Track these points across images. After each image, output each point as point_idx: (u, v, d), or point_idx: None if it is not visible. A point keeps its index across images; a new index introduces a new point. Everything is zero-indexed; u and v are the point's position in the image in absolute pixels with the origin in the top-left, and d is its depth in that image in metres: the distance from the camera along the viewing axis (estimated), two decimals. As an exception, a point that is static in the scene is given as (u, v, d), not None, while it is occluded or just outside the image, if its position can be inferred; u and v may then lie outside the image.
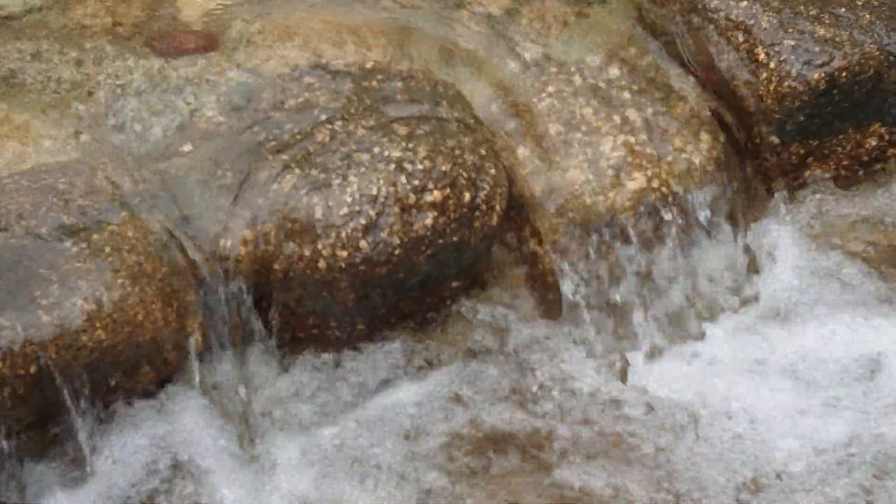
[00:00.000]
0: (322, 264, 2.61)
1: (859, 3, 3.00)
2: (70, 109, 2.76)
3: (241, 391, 2.64)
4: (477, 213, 2.69)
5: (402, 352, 2.75)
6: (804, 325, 2.82)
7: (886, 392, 2.69)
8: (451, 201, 2.66)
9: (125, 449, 2.58)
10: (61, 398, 2.47)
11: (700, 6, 2.97)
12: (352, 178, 2.63)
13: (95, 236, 2.54)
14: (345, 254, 2.60)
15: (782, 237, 2.97)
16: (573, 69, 2.92)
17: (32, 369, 2.43)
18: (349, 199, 2.61)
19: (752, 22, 2.94)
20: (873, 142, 3.04)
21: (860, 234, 2.98)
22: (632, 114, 2.85)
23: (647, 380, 2.75)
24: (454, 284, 2.78)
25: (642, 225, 2.79)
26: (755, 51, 2.92)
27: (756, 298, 2.87)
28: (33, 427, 2.51)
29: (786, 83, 2.89)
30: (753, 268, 2.92)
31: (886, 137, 3.03)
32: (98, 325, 2.47)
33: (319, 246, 2.60)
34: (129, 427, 2.60)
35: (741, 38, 2.94)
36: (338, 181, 2.63)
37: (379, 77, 2.81)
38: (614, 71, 2.91)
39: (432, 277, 2.72)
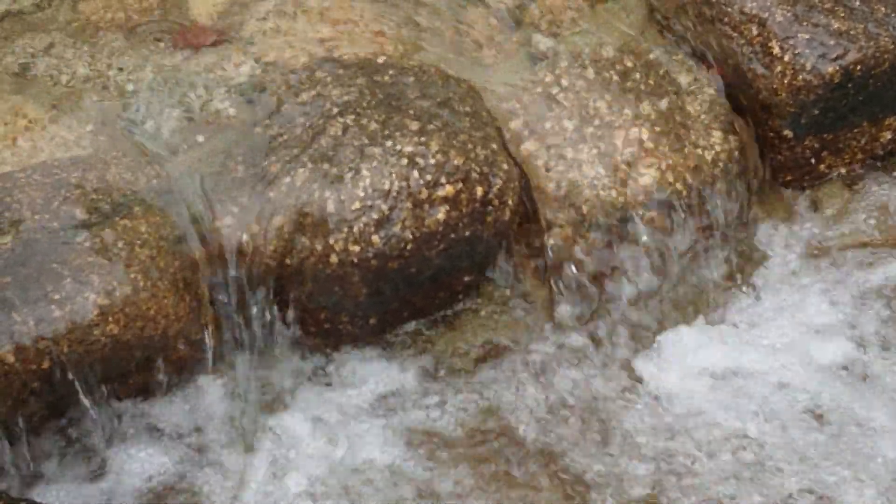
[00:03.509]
0: (334, 259, 2.60)
1: (874, -4, 2.99)
2: (82, 104, 2.76)
3: (252, 384, 2.65)
4: (489, 207, 2.68)
5: (414, 346, 2.75)
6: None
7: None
8: (463, 196, 2.65)
9: (138, 442, 2.58)
10: (74, 392, 2.48)
11: (713, -1, 2.97)
12: (364, 173, 2.62)
13: (108, 231, 2.54)
14: (357, 248, 2.60)
15: (794, 229, 2.97)
16: (586, 62, 2.91)
17: (45, 364, 2.43)
18: (361, 194, 2.61)
19: (766, 15, 2.93)
20: (888, 135, 3.03)
21: (871, 226, 2.98)
22: (644, 107, 2.84)
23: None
24: (466, 279, 2.77)
25: (655, 218, 2.78)
26: (769, 44, 2.91)
27: (758, 294, 2.87)
28: (47, 421, 2.52)
29: (800, 76, 2.88)
30: (763, 260, 2.92)
31: (901, 131, 3.03)
32: (110, 319, 2.47)
33: (331, 240, 2.60)
34: (143, 420, 2.60)
35: (755, 32, 2.92)
36: (350, 175, 2.62)
37: (391, 71, 2.80)
38: (627, 64, 2.90)
39: (444, 272, 2.71)
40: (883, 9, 2.97)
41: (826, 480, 2.56)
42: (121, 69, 2.82)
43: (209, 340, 2.60)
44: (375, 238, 2.61)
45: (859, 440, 2.62)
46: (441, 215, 2.64)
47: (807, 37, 2.90)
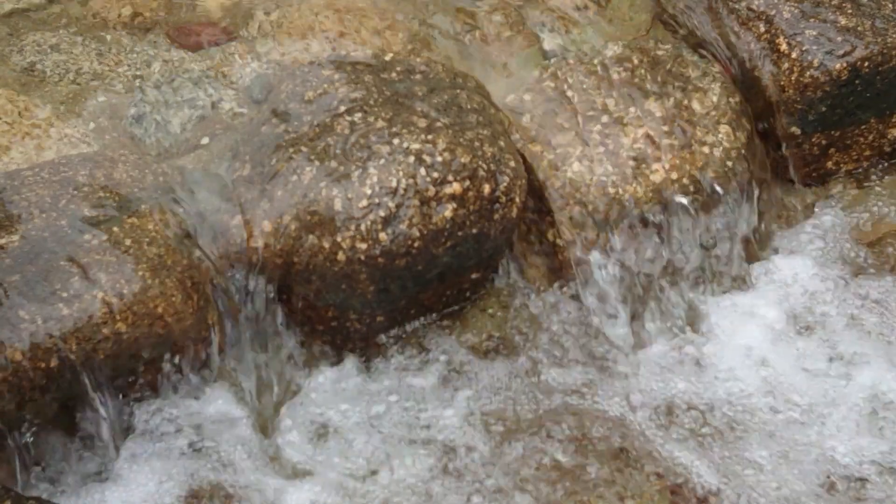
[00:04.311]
0: (341, 257, 2.60)
1: (881, -8, 2.99)
2: (90, 101, 2.76)
3: (259, 382, 2.65)
4: (496, 205, 2.68)
5: (421, 344, 2.76)
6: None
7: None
8: (470, 193, 2.65)
9: (146, 440, 2.59)
10: (83, 390, 2.48)
11: (721, -4, 2.97)
12: (371, 171, 2.62)
13: (115, 229, 2.54)
14: (364, 246, 2.60)
15: (800, 227, 2.97)
16: (594, 60, 2.91)
17: (53, 362, 2.43)
18: (369, 192, 2.61)
19: (773, 12, 2.92)
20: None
21: (878, 225, 2.98)
22: (652, 105, 2.84)
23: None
24: (474, 276, 2.77)
25: (663, 216, 2.78)
26: (777, 41, 2.90)
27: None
28: (55, 419, 2.52)
29: (808, 73, 2.88)
30: (769, 256, 2.92)
31: (909, 128, 3.02)
32: (118, 317, 2.47)
33: (339, 238, 2.60)
34: (151, 418, 2.61)
35: (763, 28, 2.92)
36: (357, 173, 2.62)
37: (398, 68, 2.80)
38: (634, 61, 2.90)
39: (452, 269, 2.71)
40: (890, 5, 2.97)
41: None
42: (128, 66, 2.82)
43: (216, 339, 2.60)
44: (383, 235, 2.61)
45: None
46: (448, 213, 2.64)
47: (814, 33, 2.90)
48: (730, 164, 2.82)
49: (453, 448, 2.60)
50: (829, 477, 2.57)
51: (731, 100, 2.88)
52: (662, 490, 2.54)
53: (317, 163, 2.64)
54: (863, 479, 2.57)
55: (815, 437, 2.64)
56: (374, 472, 2.58)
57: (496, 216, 2.69)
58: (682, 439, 2.63)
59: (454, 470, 2.57)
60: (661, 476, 2.56)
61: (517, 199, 2.71)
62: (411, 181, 2.62)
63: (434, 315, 2.78)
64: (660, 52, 2.93)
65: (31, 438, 2.47)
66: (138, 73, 2.81)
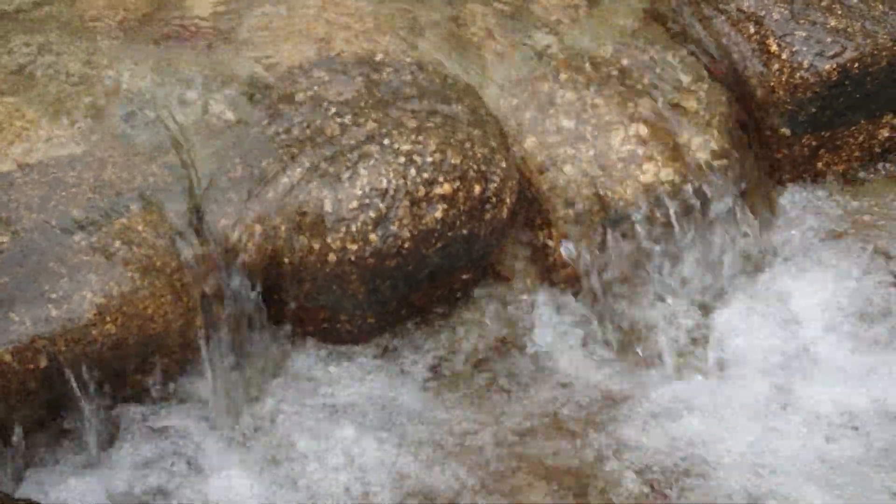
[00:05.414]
0: (332, 258, 2.60)
1: (871, -7, 2.99)
2: (79, 103, 2.75)
3: (248, 385, 2.65)
4: (487, 205, 2.68)
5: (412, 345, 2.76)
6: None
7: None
8: (460, 194, 2.65)
9: (134, 441, 2.58)
10: (71, 392, 2.47)
11: (711, -3, 2.97)
12: (361, 171, 2.63)
13: (105, 230, 2.54)
14: (355, 247, 2.60)
15: (792, 229, 2.97)
16: (584, 60, 2.91)
17: (42, 363, 2.43)
18: (359, 193, 2.61)
19: (763, 13, 2.93)
20: (886, 133, 3.03)
21: (869, 226, 2.98)
22: (642, 105, 2.84)
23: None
24: (464, 277, 2.77)
25: (653, 217, 2.78)
26: (767, 42, 2.91)
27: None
28: (43, 420, 2.52)
29: (797, 74, 2.88)
30: (761, 260, 2.92)
31: (899, 128, 3.03)
32: (107, 318, 2.47)
33: (329, 239, 2.60)
34: (138, 420, 2.60)
35: (752, 29, 2.93)
36: (347, 174, 2.62)
37: (388, 70, 2.80)
38: (625, 62, 2.90)
39: (442, 270, 2.71)
40: (880, 6, 2.97)
41: None
42: (118, 68, 2.82)
43: (206, 340, 2.59)
44: (373, 236, 2.61)
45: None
46: (439, 213, 2.64)
47: (804, 34, 2.90)
48: (720, 164, 2.83)
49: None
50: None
51: (721, 101, 2.89)
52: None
53: (307, 164, 2.64)
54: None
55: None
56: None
57: (487, 217, 2.69)
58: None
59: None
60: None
61: (508, 200, 2.71)
62: (402, 182, 2.62)
63: (425, 316, 2.78)
64: (651, 53, 2.93)
65: (20, 438, 2.46)
66: (128, 74, 2.80)
